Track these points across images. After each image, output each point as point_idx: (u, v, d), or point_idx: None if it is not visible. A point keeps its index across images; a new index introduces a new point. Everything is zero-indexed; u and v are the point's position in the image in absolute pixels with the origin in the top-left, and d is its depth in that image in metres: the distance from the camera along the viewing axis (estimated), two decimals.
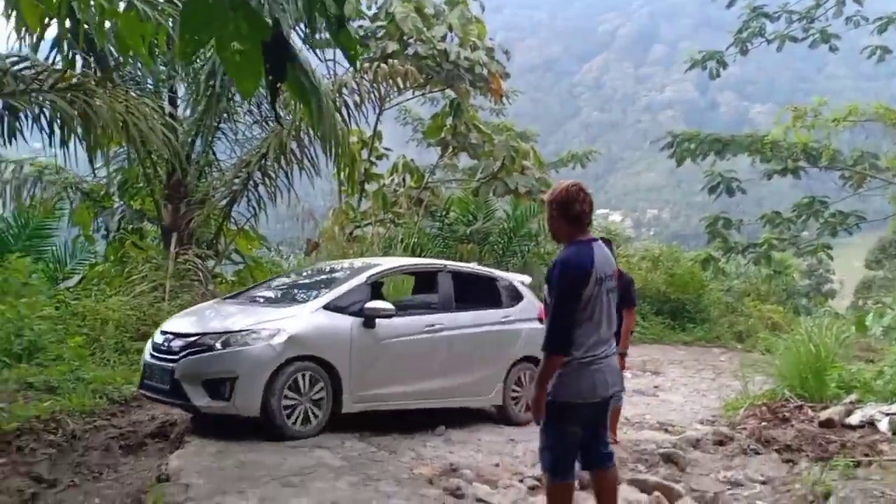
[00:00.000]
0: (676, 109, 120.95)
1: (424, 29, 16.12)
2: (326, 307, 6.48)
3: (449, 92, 18.20)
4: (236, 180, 11.77)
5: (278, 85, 2.71)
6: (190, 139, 11.64)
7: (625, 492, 5.41)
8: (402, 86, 11.97)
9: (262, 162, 11.26)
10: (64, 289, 11.03)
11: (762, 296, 21.83)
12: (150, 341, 6.66)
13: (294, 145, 11.50)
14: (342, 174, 16.63)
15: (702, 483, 5.78)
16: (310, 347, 6.21)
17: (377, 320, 6.58)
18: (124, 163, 12.04)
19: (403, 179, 18.91)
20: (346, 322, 6.48)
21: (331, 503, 4.40)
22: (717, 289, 19.13)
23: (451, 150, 18.08)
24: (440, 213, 19.37)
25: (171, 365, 6.05)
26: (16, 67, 8.23)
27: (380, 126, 18.04)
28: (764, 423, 7.33)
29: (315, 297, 6.66)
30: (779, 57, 23.46)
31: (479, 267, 8.53)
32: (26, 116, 8.35)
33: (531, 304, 7.87)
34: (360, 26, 16.73)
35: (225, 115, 11.77)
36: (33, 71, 8.35)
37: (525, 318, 7.70)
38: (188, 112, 12.00)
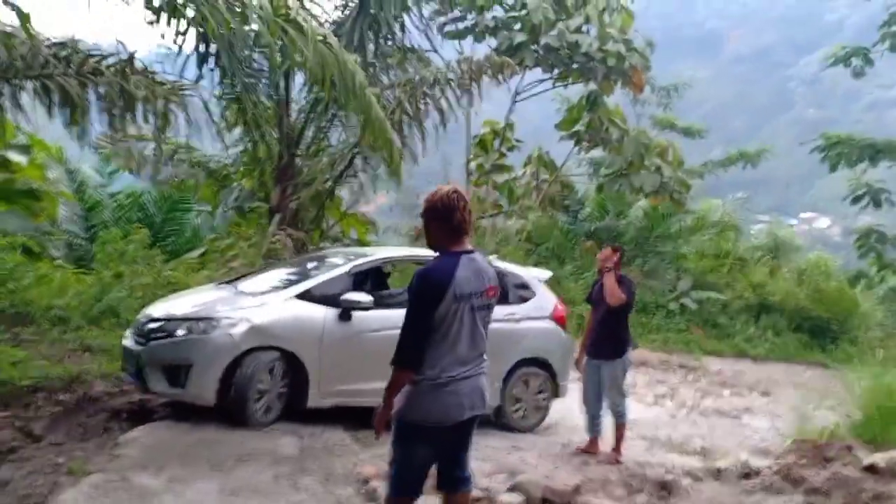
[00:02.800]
0: None
1: (555, 20, 15.70)
2: (301, 296, 6.33)
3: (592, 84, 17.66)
4: (340, 166, 12.20)
5: None
6: (300, 124, 12.20)
7: None
8: (500, 78, 11.74)
9: (359, 149, 11.57)
10: (184, 260, 12.08)
11: None
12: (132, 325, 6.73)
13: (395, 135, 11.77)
14: (471, 164, 16.91)
15: None
16: (273, 338, 6.07)
17: (355, 313, 6.34)
18: (247, 145, 12.90)
19: (537, 172, 18.61)
20: (318, 313, 6.28)
21: (229, 490, 4.49)
22: (875, 308, 17.07)
23: (584, 144, 17.51)
24: (574, 207, 18.97)
25: (138, 349, 6.11)
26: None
27: (513, 116, 17.87)
28: (803, 461, 6.51)
29: (290, 286, 6.53)
30: None
31: (489, 260, 8.20)
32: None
33: (544, 302, 7.47)
34: (494, 17, 16.65)
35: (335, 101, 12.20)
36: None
37: (534, 317, 7.28)
38: (304, 96, 12.54)
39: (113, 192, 15.04)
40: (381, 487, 4.93)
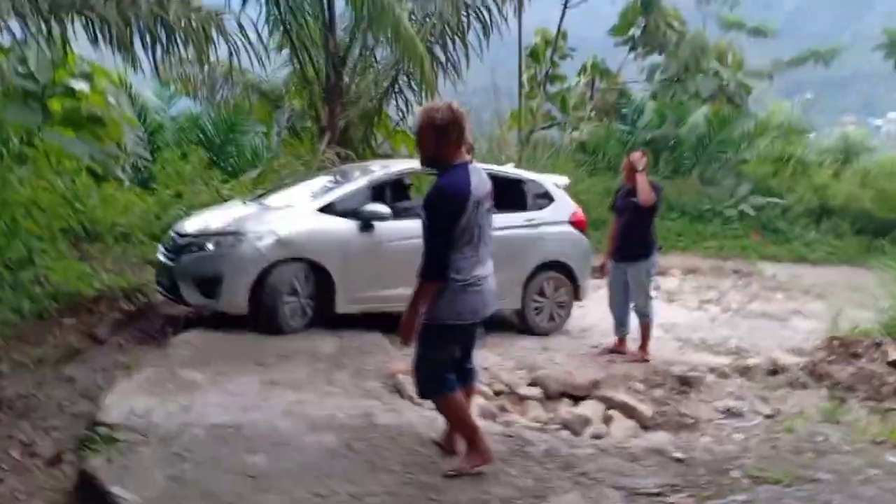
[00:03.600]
0: None
1: None
2: (323, 210, 6.60)
3: None
4: (385, 83, 12.31)
5: None
6: (346, 43, 12.30)
7: (588, 407, 5.36)
8: None
9: (402, 66, 11.63)
10: (241, 180, 12.53)
11: None
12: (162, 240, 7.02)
13: (438, 49, 11.79)
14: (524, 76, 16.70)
15: (693, 408, 5.49)
16: (299, 250, 6.32)
17: (376, 223, 6.59)
18: (295, 66, 13.09)
19: (592, 81, 18.25)
20: (341, 225, 6.54)
21: (268, 382, 4.90)
22: None
23: (639, 49, 17.02)
24: (631, 115, 18.60)
25: (171, 263, 6.42)
26: None
27: (565, 24, 17.43)
28: (832, 357, 6.58)
29: (314, 200, 6.81)
30: None
31: (506, 168, 8.26)
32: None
33: (563, 208, 7.58)
34: None
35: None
36: None
37: (553, 222, 7.43)
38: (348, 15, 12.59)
39: (173, 115, 15.57)
40: (407, 381, 5.31)
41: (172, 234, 6.87)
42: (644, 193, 6.46)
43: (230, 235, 6.35)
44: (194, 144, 13.48)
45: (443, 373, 3.68)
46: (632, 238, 6.57)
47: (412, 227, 6.54)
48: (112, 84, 13.71)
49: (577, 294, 7.67)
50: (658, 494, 3.42)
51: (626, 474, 3.62)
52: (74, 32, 7.69)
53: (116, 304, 6.86)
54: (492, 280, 3.77)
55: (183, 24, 7.61)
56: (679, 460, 3.87)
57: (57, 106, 11.66)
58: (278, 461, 3.60)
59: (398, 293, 6.56)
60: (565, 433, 4.69)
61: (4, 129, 8.42)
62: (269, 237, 6.27)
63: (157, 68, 12.89)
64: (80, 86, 12.07)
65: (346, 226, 6.57)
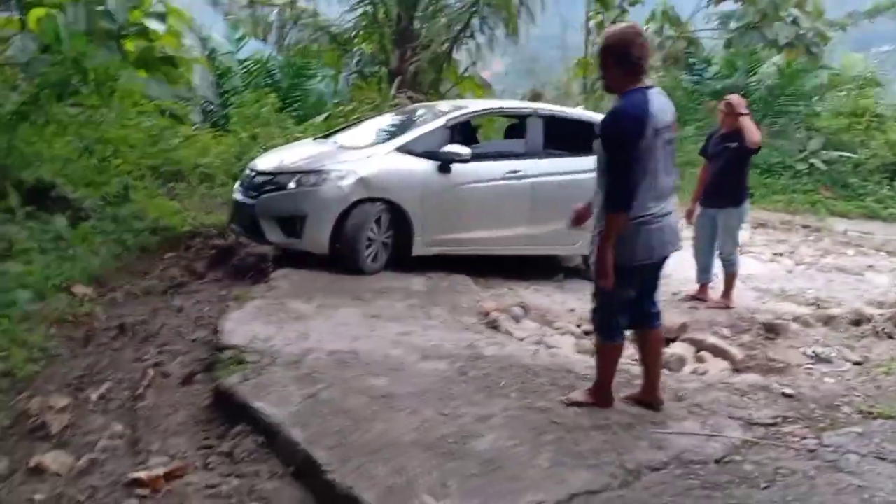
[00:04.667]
0: None
1: None
2: (401, 150, 6.50)
3: None
4: (457, 27, 12.27)
5: None
6: None
7: (679, 348, 5.45)
8: None
9: (477, 9, 11.57)
10: (311, 123, 12.69)
11: None
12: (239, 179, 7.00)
13: None
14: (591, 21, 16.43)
15: (781, 353, 5.52)
16: (379, 190, 6.27)
17: (454, 165, 6.51)
18: (367, 8, 13.12)
19: (661, 28, 17.85)
20: (419, 165, 6.47)
21: (370, 315, 5.09)
22: None
23: None
24: (700, 65, 18.22)
25: (251, 202, 6.38)
26: None
27: None
28: None
29: (391, 140, 6.72)
30: None
31: (579, 110, 8.17)
32: None
33: None
34: None
35: None
36: None
37: None
38: None
39: (241, 58, 15.72)
40: (501, 318, 5.47)
41: (249, 171, 6.86)
42: (753, 133, 6.33)
43: (312, 174, 6.29)
44: (262, 88, 13.65)
45: (615, 318, 3.56)
46: (726, 184, 6.48)
47: (489, 169, 6.80)
48: (185, 25, 13.92)
49: None
50: (773, 425, 3.51)
51: (737, 406, 3.71)
52: None
53: (210, 240, 7.11)
54: (674, 217, 3.52)
55: None
56: (788, 395, 3.95)
57: (131, 46, 11.88)
58: (400, 384, 3.78)
59: (474, 236, 6.78)
60: (664, 371, 4.78)
61: (90, 69, 8.59)
62: (351, 176, 6.23)
63: (231, 9, 13.13)
64: (155, 26, 12.28)
65: (425, 167, 6.52)
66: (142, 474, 3.07)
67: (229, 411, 3.57)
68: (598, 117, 7.84)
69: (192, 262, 6.65)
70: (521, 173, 6.93)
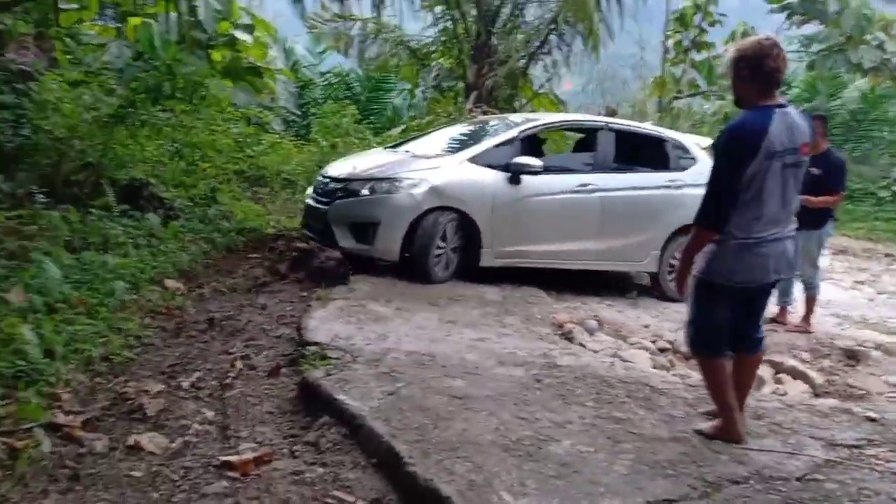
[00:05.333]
0: None
1: None
2: (472, 160, 6.51)
3: None
4: (535, 42, 12.37)
5: None
6: (498, 2, 12.42)
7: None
8: None
9: (556, 25, 11.65)
10: (388, 135, 12.97)
11: None
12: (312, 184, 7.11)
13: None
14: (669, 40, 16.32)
15: (862, 380, 5.40)
16: (450, 199, 6.28)
17: (524, 177, 6.49)
18: (446, 23, 13.34)
19: None
20: (490, 176, 6.46)
21: (446, 320, 5.19)
22: None
23: (796, 17, 16.25)
24: (781, 87, 17.84)
25: (324, 207, 6.49)
26: None
27: None
28: None
29: (463, 150, 6.73)
30: None
31: (649, 126, 8.07)
32: None
33: (705, 169, 7.31)
34: None
35: None
36: None
37: (695, 184, 7.07)
38: None
39: (322, 71, 16.18)
40: (575, 330, 5.50)
41: (322, 178, 6.96)
42: None
43: (385, 181, 6.34)
44: (341, 100, 14.01)
45: (710, 334, 3.42)
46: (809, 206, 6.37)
47: (559, 182, 6.79)
48: (270, 37, 14.41)
49: None
50: (856, 447, 3.45)
51: (819, 427, 3.66)
52: None
53: (292, 243, 7.31)
54: (786, 245, 3.32)
55: None
56: (872, 419, 3.87)
57: (218, 56, 12.37)
58: (477, 387, 3.86)
59: (541, 249, 6.73)
60: None
61: (180, 76, 8.98)
62: (424, 184, 6.26)
63: (315, 22, 13.52)
64: (243, 37, 12.75)
65: (495, 177, 6.51)
66: (232, 458, 3.21)
67: (314, 403, 3.70)
68: (668, 133, 7.91)
69: (275, 262, 6.85)
70: (591, 187, 6.88)
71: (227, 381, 4.10)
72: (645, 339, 5.75)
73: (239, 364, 4.32)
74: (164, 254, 6.12)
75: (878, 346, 6.29)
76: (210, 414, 3.71)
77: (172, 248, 6.27)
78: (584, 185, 6.87)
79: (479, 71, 12.40)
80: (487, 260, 6.55)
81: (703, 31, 17.33)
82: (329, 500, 2.92)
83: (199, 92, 9.26)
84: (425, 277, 6.20)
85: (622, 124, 7.73)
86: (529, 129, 6.99)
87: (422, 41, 13.81)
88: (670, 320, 6.52)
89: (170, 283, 5.67)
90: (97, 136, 7.43)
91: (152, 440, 3.38)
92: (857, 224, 14.08)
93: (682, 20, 17.32)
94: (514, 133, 6.83)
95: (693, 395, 4.04)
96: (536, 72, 13.11)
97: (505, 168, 6.52)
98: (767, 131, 3.12)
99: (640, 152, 7.32)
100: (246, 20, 12.91)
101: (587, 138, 7.56)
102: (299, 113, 14.99)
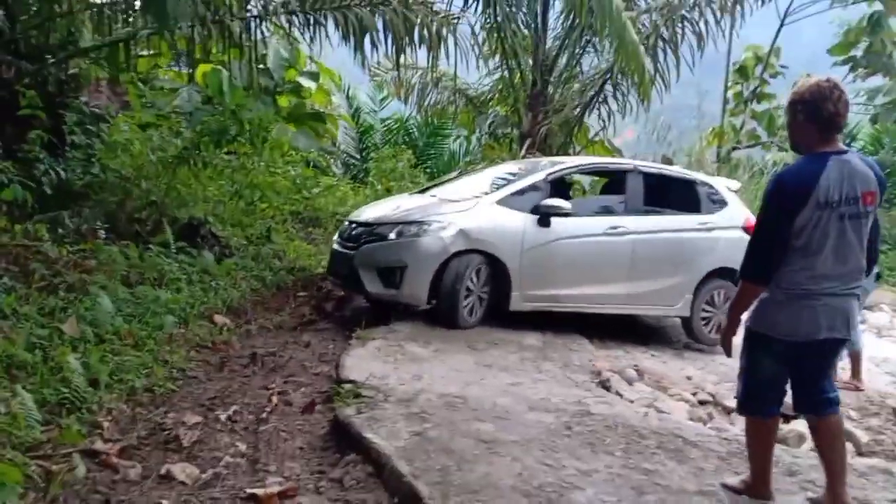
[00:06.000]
0: None
1: None
2: (501, 203, 6.43)
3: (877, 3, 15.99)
4: (591, 92, 12.45)
5: None
6: (554, 51, 12.57)
7: (799, 424, 5.21)
8: None
9: (611, 75, 11.73)
10: (443, 179, 13.18)
11: None
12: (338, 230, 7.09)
13: (648, 60, 11.73)
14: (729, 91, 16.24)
15: None
16: (479, 242, 6.19)
17: (553, 219, 6.41)
18: (503, 72, 13.55)
19: None
20: (519, 219, 6.37)
21: (483, 364, 5.22)
22: None
23: (860, 70, 15.99)
24: (844, 140, 17.49)
25: (351, 252, 6.40)
26: None
27: (780, 41, 16.74)
28: None
29: (491, 193, 6.64)
30: None
31: (679, 169, 7.97)
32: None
33: (736, 212, 7.26)
34: None
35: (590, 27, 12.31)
36: None
37: (726, 227, 7.09)
38: (559, 23, 12.83)
39: (382, 117, 16.60)
40: (613, 378, 5.46)
41: (347, 222, 6.98)
42: None
43: (413, 224, 6.27)
44: (399, 145, 14.31)
45: (758, 389, 3.26)
46: None
47: (589, 224, 6.73)
48: (334, 84, 14.91)
49: None
50: None
51: (854, 486, 3.55)
52: (322, 31, 8.30)
53: (339, 283, 7.46)
54: (839, 300, 3.09)
55: (420, 21, 8.08)
56: None
57: (284, 102, 12.85)
58: (505, 431, 3.87)
59: (572, 292, 6.61)
60: (781, 445, 4.62)
61: (246, 121, 9.35)
62: (452, 227, 6.18)
63: (377, 71, 13.90)
64: (307, 84, 13.24)
65: (524, 220, 6.42)
66: (258, 491, 3.29)
67: (343, 440, 3.78)
68: (698, 176, 7.83)
69: (323, 301, 7.03)
70: (621, 229, 6.79)
71: (263, 415, 4.22)
72: (686, 391, 5.65)
73: (276, 399, 4.44)
74: (216, 290, 6.35)
75: None
76: (243, 447, 3.82)
77: (224, 285, 6.50)
78: (615, 227, 6.80)
79: (534, 118, 12.50)
80: (517, 304, 6.44)
81: (764, 82, 17.19)
82: None
83: (262, 135, 9.61)
84: (452, 322, 6.12)
85: (651, 167, 7.68)
86: (557, 171, 6.96)
87: (479, 89, 14.06)
88: (715, 373, 6.41)
89: (218, 318, 5.87)
90: (162, 176, 7.78)
91: (184, 470, 3.49)
92: None
93: (742, 71, 17.22)
94: (541, 176, 6.77)
95: (726, 449, 3.97)
96: (592, 121, 13.15)
97: (534, 210, 6.47)
98: (818, 180, 2.96)
99: (670, 195, 7.26)
100: (311, 68, 13.47)
101: (616, 181, 7.51)
102: (359, 157, 15.36)
